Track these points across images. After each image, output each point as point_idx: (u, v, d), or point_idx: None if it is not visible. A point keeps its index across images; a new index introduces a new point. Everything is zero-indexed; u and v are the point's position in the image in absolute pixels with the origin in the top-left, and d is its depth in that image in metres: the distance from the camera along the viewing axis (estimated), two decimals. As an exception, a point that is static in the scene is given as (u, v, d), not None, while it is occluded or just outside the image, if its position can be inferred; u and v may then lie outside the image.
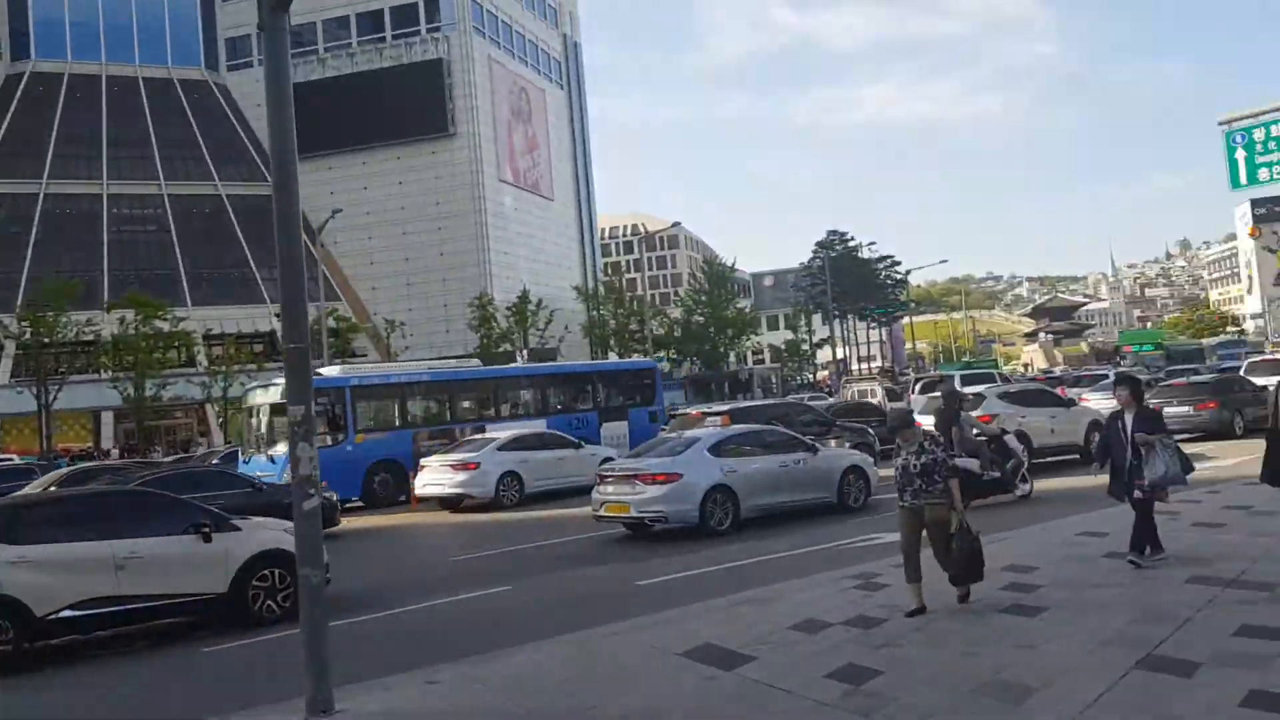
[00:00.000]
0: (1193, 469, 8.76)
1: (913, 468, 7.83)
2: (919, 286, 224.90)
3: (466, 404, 26.71)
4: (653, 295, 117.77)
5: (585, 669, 7.20)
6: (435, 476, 20.82)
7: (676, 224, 58.31)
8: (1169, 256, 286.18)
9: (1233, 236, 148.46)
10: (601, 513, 14.71)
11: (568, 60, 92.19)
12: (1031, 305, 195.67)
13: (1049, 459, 20.09)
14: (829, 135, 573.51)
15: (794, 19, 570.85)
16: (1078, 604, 7.72)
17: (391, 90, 73.13)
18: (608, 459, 19.23)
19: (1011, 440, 15.17)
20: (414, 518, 20.97)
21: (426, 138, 73.83)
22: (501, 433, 22.29)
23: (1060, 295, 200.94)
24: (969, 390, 22.71)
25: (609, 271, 77.60)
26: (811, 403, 32.37)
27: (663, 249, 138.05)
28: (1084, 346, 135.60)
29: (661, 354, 68.52)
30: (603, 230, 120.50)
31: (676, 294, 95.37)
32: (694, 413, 21.09)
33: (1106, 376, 34.91)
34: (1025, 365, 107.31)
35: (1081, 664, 6.15)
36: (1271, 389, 8.67)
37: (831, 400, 37.57)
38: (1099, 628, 6.92)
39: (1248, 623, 6.61)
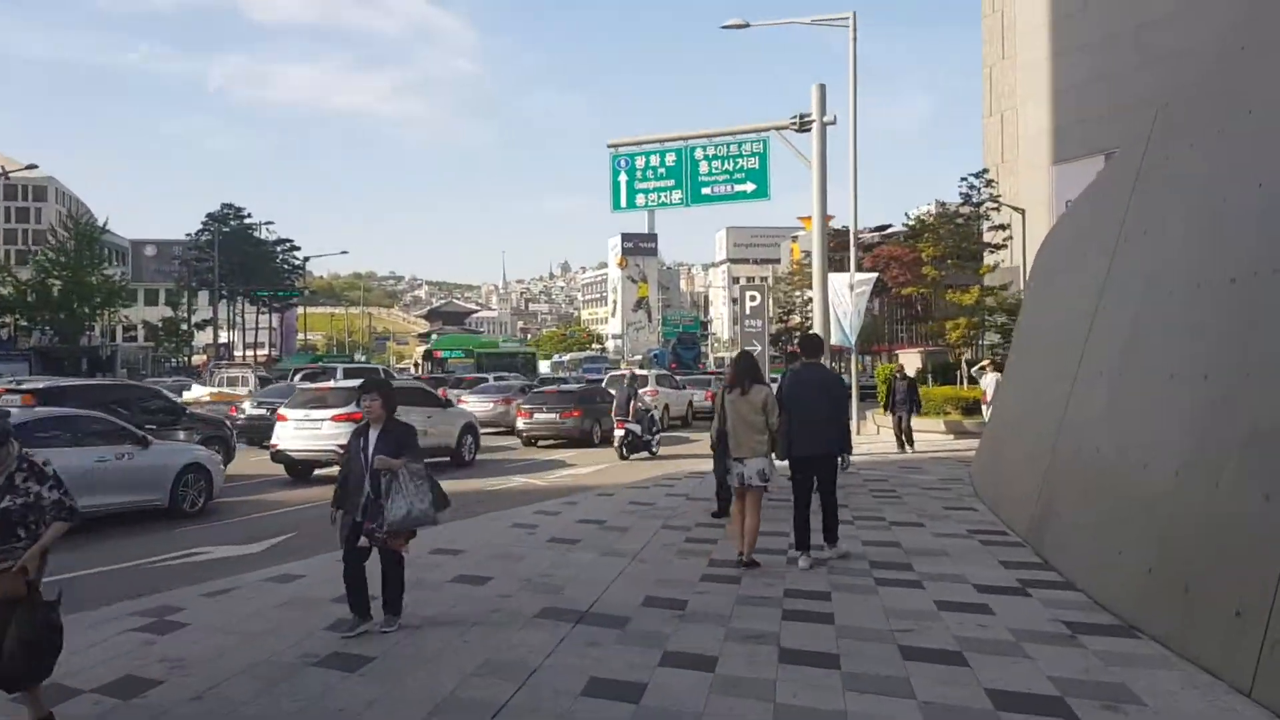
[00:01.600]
0: (447, 503, 7.00)
1: None
2: (321, 278, 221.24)
3: None
4: (7, 251, 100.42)
5: None
6: None
7: (33, 166, 49.24)
8: (552, 276, 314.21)
9: (604, 265, 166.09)
10: None
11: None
12: (428, 308, 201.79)
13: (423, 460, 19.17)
14: (248, 109, 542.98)
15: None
16: (413, 649, 6.29)
17: None
18: None
19: (655, 414, 22.20)
20: None
21: None
22: None
23: (455, 301, 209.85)
24: (348, 383, 21.18)
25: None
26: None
27: (26, 199, 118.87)
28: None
29: (5, 319, 57.95)
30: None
31: (37, 252, 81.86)
32: (-7, 389, 16.78)
33: (487, 379, 35.74)
34: (416, 364, 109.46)
35: (400, 751, 4.63)
36: (718, 393, 9.04)
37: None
38: (433, 684, 5.52)
39: (597, 674, 5.62)
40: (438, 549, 9.84)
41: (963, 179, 37.75)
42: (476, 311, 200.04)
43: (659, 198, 23.92)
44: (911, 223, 35.48)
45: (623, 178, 24.17)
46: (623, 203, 24.18)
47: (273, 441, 17.96)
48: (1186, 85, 8.45)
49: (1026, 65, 63.83)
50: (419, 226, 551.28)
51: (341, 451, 17.58)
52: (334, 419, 17.53)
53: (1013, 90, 67.00)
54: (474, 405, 27.51)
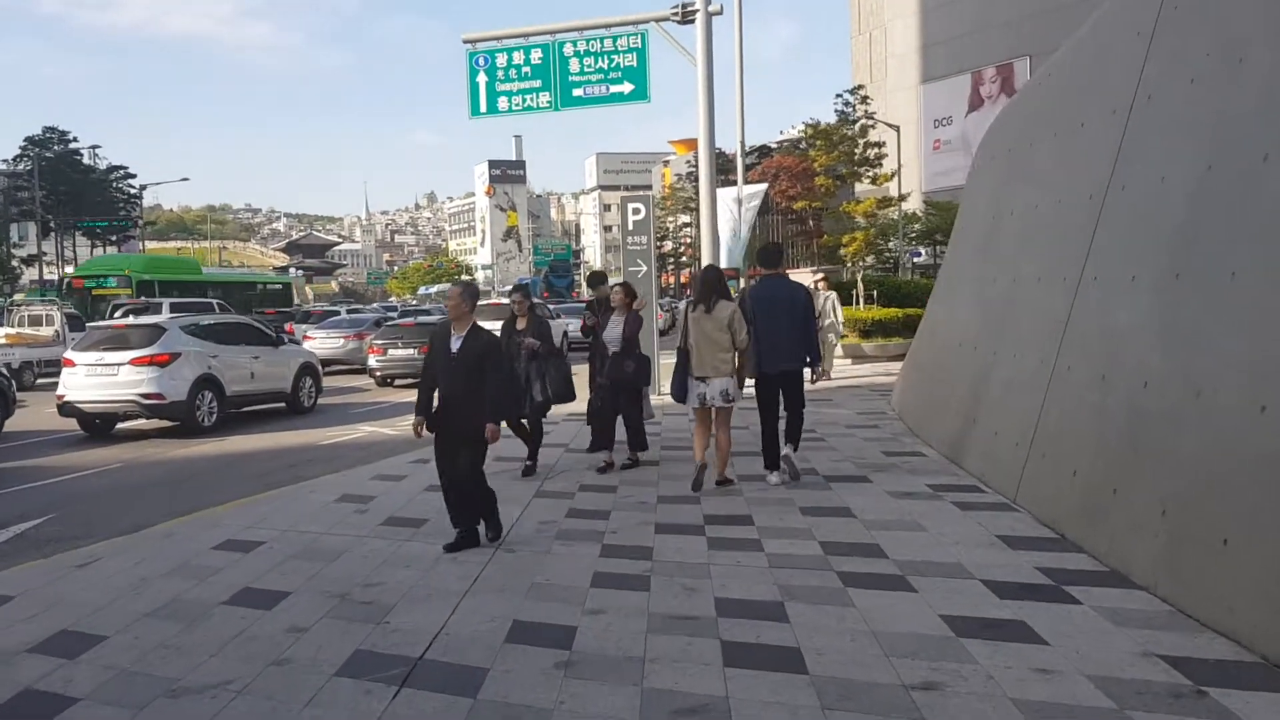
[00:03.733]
0: None
1: None
2: (172, 210, 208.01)
3: None
4: None
5: None
6: None
7: None
8: (418, 207, 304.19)
9: (472, 194, 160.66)
10: None
11: None
12: (287, 241, 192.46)
13: (249, 409, 16.23)
14: (86, 35, 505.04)
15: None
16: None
17: None
18: None
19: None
20: None
21: None
22: None
23: (315, 233, 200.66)
24: (154, 319, 17.87)
25: None
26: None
27: None
28: (334, 285, 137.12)
29: None
30: None
31: None
32: None
33: (338, 313, 32.46)
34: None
35: None
36: (681, 307, 8.67)
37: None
38: None
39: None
40: (228, 540, 7.15)
41: (837, 95, 35.84)
42: (339, 244, 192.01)
43: (524, 101, 20.94)
44: (803, 130, 33.21)
45: (482, 78, 21.09)
46: (482, 107, 21.10)
47: (59, 392, 14.73)
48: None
49: (895, -18, 62.29)
50: (276, 157, 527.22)
51: (145, 401, 14.75)
52: (133, 362, 14.40)
53: (881, 8, 65.81)
54: (320, 342, 24.45)
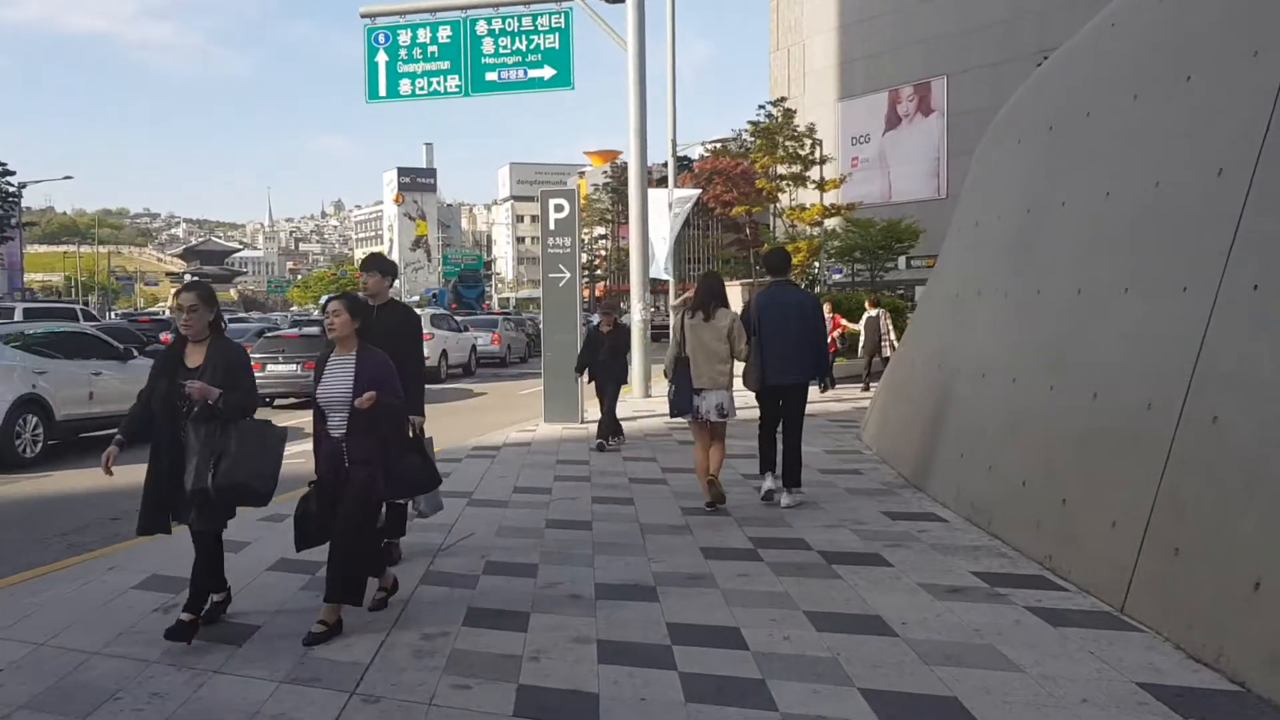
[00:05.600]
0: None
1: None
2: (65, 214, 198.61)
3: None
4: None
5: None
6: None
7: None
8: (324, 215, 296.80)
9: (380, 202, 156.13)
10: None
11: None
12: (185, 247, 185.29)
13: (86, 435, 13.40)
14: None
15: None
16: None
17: None
18: None
19: None
20: None
21: None
22: None
23: (215, 240, 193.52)
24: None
25: None
26: None
27: None
28: (233, 293, 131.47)
29: None
30: None
31: None
32: None
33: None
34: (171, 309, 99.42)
35: None
36: (674, 321, 8.02)
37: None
38: None
39: None
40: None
41: (760, 107, 34.12)
42: (239, 251, 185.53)
43: (430, 84, 18.56)
44: (746, 129, 31.19)
45: (381, 58, 18.65)
46: (381, 90, 18.67)
47: None
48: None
49: (814, -1, 61.49)
50: (175, 161, 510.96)
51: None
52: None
53: (800, 23, 65.00)
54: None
